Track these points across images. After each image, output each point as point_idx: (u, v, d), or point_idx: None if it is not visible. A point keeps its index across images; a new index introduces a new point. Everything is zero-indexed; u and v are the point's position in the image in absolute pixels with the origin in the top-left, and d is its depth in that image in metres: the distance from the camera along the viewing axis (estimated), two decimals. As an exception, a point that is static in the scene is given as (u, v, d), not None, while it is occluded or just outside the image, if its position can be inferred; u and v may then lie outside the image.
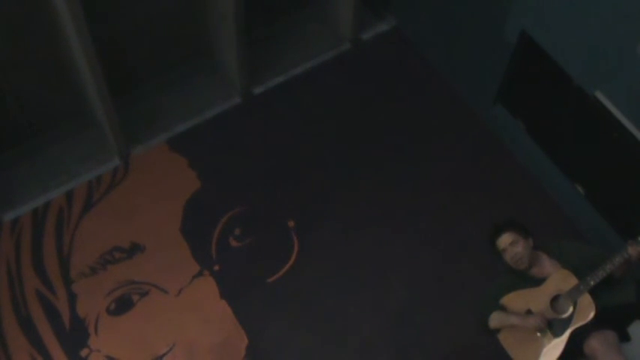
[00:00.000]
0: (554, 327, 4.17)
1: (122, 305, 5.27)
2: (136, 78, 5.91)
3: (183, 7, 5.66)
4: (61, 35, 5.01)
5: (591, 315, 4.06)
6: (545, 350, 4.17)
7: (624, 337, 4.27)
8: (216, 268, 5.43)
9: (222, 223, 5.61)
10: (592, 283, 4.05)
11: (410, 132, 6.07)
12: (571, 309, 4.11)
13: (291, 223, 5.62)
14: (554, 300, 4.17)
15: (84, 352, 5.10)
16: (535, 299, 4.21)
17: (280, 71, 6.34)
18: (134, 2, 5.34)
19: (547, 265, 4.29)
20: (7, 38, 4.95)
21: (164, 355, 5.12)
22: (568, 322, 4.13)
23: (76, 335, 5.15)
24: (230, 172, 5.85)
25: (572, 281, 4.13)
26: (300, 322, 5.24)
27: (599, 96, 4.73)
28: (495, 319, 4.28)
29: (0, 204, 5.56)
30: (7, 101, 5.34)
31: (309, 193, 5.77)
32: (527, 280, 4.28)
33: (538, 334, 4.19)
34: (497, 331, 4.33)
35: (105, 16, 5.24)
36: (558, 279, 4.17)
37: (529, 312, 4.23)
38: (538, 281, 4.23)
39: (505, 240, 4.25)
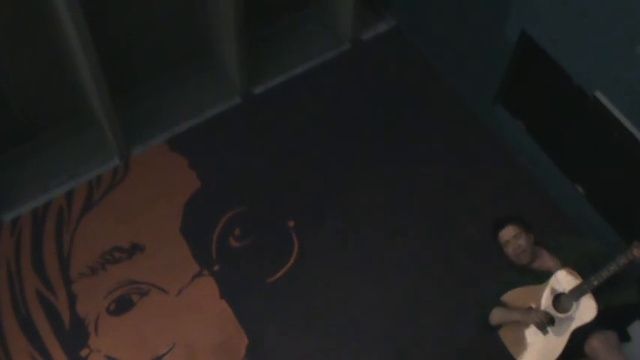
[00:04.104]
0: (555, 325, 4.16)
1: (122, 305, 5.27)
2: (135, 78, 5.91)
3: (183, 7, 5.66)
4: (61, 35, 5.01)
5: (593, 315, 4.06)
6: (545, 348, 4.17)
7: (624, 337, 4.27)
8: (216, 268, 5.43)
9: (222, 223, 5.61)
10: (596, 283, 4.05)
11: (410, 132, 6.07)
12: (573, 308, 4.11)
13: (291, 223, 5.62)
14: (557, 298, 4.17)
15: (84, 352, 5.10)
16: (537, 297, 4.22)
17: (280, 71, 6.34)
18: (135, 2, 5.33)
19: (548, 259, 4.30)
20: (7, 38, 4.95)
21: (164, 355, 5.12)
22: (570, 321, 4.12)
23: (76, 335, 5.15)
24: (230, 172, 5.85)
25: (576, 280, 4.13)
26: (300, 321, 5.25)
27: (599, 96, 4.73)
28: (497, 315, 4.27)
29: (0, 204, 5.56)
30: (7, 101, 5.34)
31: (309, 193, 5.77)
32: (529, 276, 4.28)
33: (539, 331, 4.19)
34: (498, 327, 4.32)
35: (105, 16, 5.24)
36: (561, 277, 4.17)
37: (530, 309, 4.23)
38: (540, 278, 4.23)
39: (508, 232, 4.26)
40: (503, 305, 4.30)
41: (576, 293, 4.11)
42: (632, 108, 4.57)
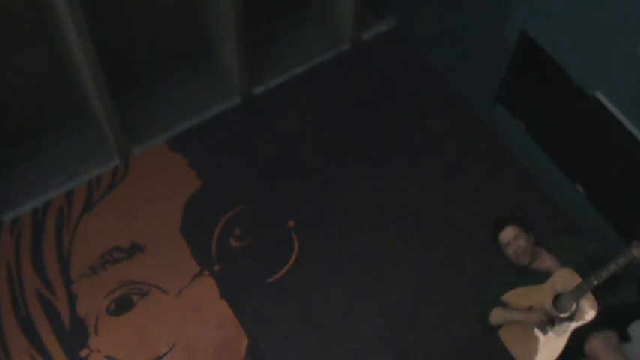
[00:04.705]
0: (555, 325, 4.17)
1: (122, 305, 5.27)
2: (135, 78, 5.91)
3: (184, 7, 5.66)
4: (60, 35, 5.01)
5: (593, 315, 4.06)
6: (545, 348, 4.17)
7: (624, 337, 4.27)
8: (216, 268, 5.44)
9: (222, 223, 5.61)
10: (595, 282, 4.05)
11: (409, 132, 6.07)
12: (573, 308, 4.11)
13: (291, 223, 5.62)
14: (557, 298, 4.17)
15: (84, 352, 5.10)
16: (537, 297, 4.22)
17: (280, 71, 6.34)
18: (134, 2, 5.33)
19: (547, 259, 4.31)
20: (7, 38, 4.95)
21: (164, 355, 5.12)
22: (569, 320, 4.13)
23: (76, 335, 5.15)
24: (230, 172, 5.85)
25: (575, 280, 4.13)
26: (300, 321, 5.25)
27: (599, 96, 4.73)
28: (496, 315, 4.28)
29: (0, 204, 5.56)
30: (7, 101, 5.34)
31: (309, 193, 5.77)
32: (528, 276, 4.29)
33: (539, 331, 4.19)
34: (498, 327, 4.32)
35: (105, 16, 5.24)
36: (561, 277, 4.17)
37: (530, 309, 4.23)
38: (540, 278, 4.23)
39: (508, 234, 4.27)
40: (504, 305, 4.30)
41: (576, 293, 4.11)
42: (632, 108, 4.57)
